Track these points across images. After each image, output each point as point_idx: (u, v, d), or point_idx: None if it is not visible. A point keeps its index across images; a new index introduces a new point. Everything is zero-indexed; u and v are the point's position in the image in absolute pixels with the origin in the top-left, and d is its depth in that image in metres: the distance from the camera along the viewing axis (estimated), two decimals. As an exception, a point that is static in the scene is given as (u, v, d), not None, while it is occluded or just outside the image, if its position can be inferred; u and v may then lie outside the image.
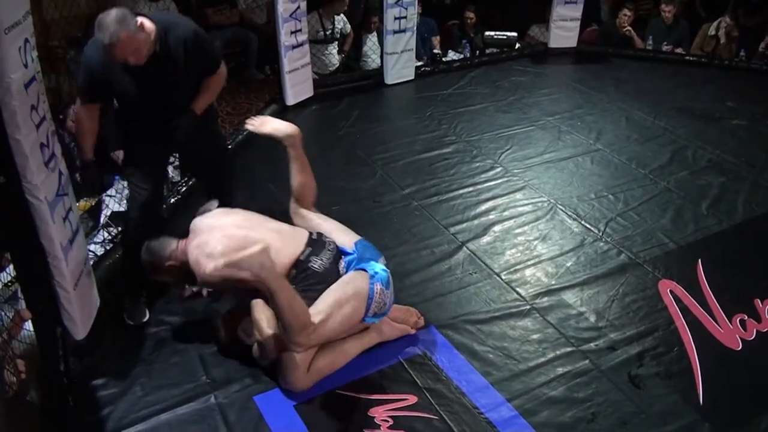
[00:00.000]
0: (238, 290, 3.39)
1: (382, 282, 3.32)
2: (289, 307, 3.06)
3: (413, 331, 3.63)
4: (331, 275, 3.34)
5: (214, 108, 4.10)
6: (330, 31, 7.43)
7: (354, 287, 3.27)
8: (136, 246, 3.65)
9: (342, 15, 7.65)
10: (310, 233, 3.44)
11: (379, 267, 3.40)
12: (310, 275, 3.27)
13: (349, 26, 7.74)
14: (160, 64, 3.54)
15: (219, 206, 4.06)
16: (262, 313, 3.25)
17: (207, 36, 3.75)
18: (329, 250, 3.40)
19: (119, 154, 5.42)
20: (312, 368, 3.27)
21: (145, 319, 3.80)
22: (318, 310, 3.17)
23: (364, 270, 3.34)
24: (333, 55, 7.60)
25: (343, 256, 3.44)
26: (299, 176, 3.66)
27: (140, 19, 3.36)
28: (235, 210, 3.58)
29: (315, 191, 3.73)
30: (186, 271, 3.36)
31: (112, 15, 3.22)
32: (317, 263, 3.31)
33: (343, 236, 3.53)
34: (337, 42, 7.64)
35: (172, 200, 4.81)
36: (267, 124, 3.68)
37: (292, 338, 3.11)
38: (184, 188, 4.94)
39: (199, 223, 3.45)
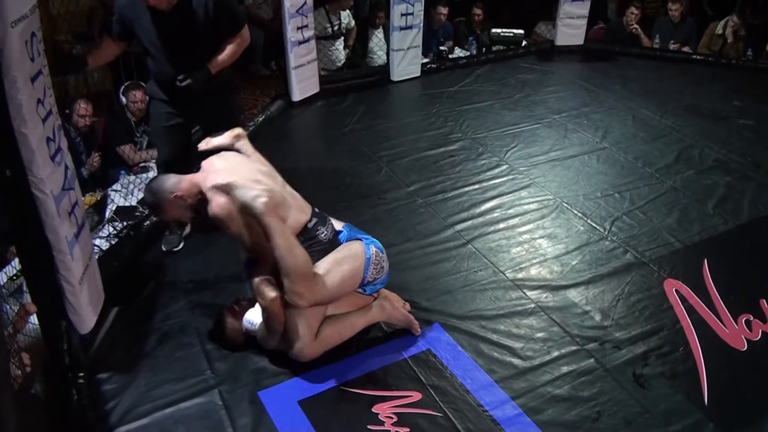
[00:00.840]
0: (244, 236, 3.31)
1: (376, 245, 3.44)
2: (289, 250, 3.09)
3: (417, 326, 3.63)
4: (333, 247, 3.38)
5: (230, 79, 4.19)
6: (337, 27, 7.43)
7: (349, 249, 3.37)
8: None
9: (348, 10, 7.65)
10: (314, 207, 3.46)
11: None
12: (315, 243, 3.30)
13: (353, 21, 7.73)
14: (181, 15, 3.70)
15: None
16: (263, 276, 3.27)
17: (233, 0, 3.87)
18: (330, 225, 3.44)
19: (125, 149, 5.45)
20: (319, 337, 3.31)
21: (178, 248, 4.20)
22: (318, 266, 3.24)
23: (358, 239, 3.45)
24: (339, 51, 7.59)
25: (337, 234, 3.48)
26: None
27: None
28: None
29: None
30: (193, 204, 3.31)
31: None
32: (323, 234, 3.36)
33: (335, 222, 3.57)
34: (343, 37, 7.64)
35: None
36: (211, 141, 3.67)
37: (295, 287, 3.11)
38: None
39: (217, 159, 3.40)
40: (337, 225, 3.53)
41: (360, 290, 3.41)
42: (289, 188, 3.45)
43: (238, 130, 3.74)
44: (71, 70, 4.03)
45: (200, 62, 3.85)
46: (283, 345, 3.34)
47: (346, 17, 7.59)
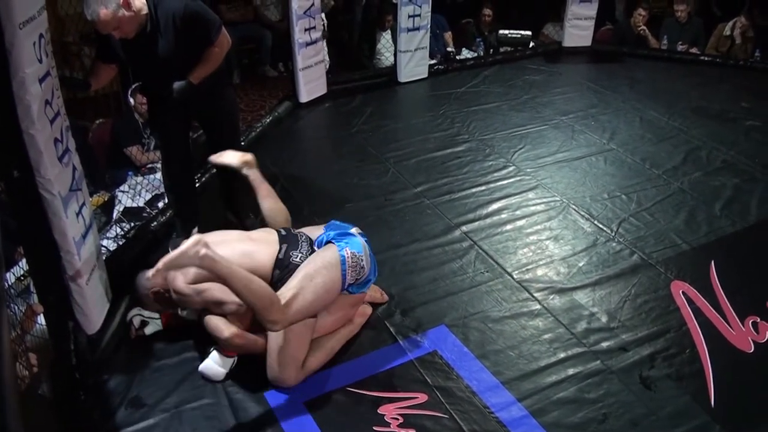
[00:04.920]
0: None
1: (351, 246, 3.29)
2: (247, 290, 2.94)
3: (369, 310, 3.74)
4: None
5: (222, 75, 4.14)
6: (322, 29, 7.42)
7: (321, 258, 3.24)
8: (173, 190, 4.30)
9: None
10: (278, 230, 3.43)
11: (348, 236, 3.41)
12: (293, 268, 3.23)
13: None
14: (150, 38, 3.67)
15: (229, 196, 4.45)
16: (215, 320, 3.25)
17: (201, 9, 3.76)
18: (304, 241, 3.39)
19: (132, 150, 5.46)
20: (304, 367, 3.29)
21: None
22: (288, 287, 3.12)
23: (331, 242, 3.34)
24: (326, 53, 7.55)
25: (313, 244, 3.44)
26: (266, 201, 3.72)
27: None
28: (211, 232, 3.42)
29: (287, 215, 3.75)
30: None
31: None
32: (297, 257, 3.28)
33: (315, 231, 3.52)
34: (326, 40, 7.62)
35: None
36: (223, 156, 3.80)
37: (267, 317, 2.99)
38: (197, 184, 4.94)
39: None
40: (317, 231, 3.49)
41: (345, 292, 3.33)
42: (246, 233, 3.45)
43: (248, 157, 3.77)
44: (74, 90, 4.04)
45: (182, 75, 3.80)
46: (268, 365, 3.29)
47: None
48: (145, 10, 3.60)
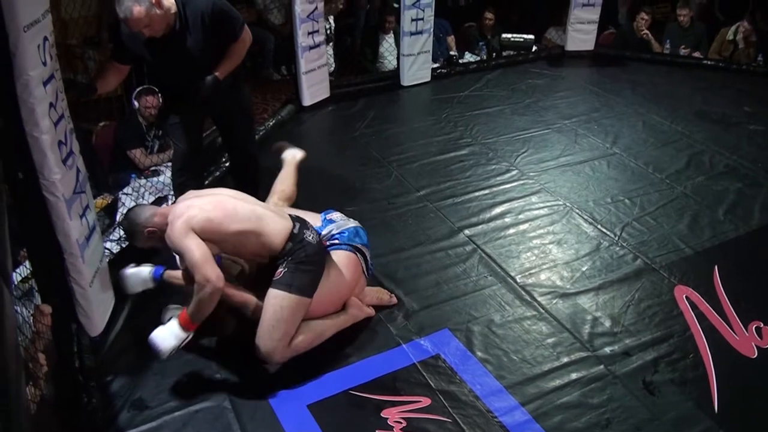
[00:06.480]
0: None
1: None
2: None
3: (371, 311, 3.78)
4: (322, 249, 3.51)
5: (242, 71, 4.28)
6: (328, 31, 7.42)
7: (346, 272, 3.61)
8: (183, 189, 4.10)
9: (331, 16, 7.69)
10: (289, 215, 3.55)
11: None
12: (306, 245, 3.35)
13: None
14: (179, 36, 3.77)
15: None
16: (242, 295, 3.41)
17: (227, 6, 3.90)
18: (310, 225, 3.52)
19: (136, 153, 5.47)
20: (292, 344, 3.34)
21: None
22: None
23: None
24: (331, 56, 7.58)
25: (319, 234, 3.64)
26: (281, 184, 4.15)
27: None
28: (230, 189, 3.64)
29: (292, 202, 4.14)
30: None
31: None
32: (310, 236, 3.40)
33: (314, 220, 3.73)
34: (332, 43, 7.63)
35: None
36: (284, 146, 4.42)
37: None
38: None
39: (188, 194, 3.50)
40: (315, 221, 3.71)
41: (336, 241, 3.65)
42: (263, 204, 3.59)
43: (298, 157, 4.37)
44: (79, 95, 4.06)
45: (207, 71, 3.91)
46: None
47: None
48: (173, 9, 3.71)
